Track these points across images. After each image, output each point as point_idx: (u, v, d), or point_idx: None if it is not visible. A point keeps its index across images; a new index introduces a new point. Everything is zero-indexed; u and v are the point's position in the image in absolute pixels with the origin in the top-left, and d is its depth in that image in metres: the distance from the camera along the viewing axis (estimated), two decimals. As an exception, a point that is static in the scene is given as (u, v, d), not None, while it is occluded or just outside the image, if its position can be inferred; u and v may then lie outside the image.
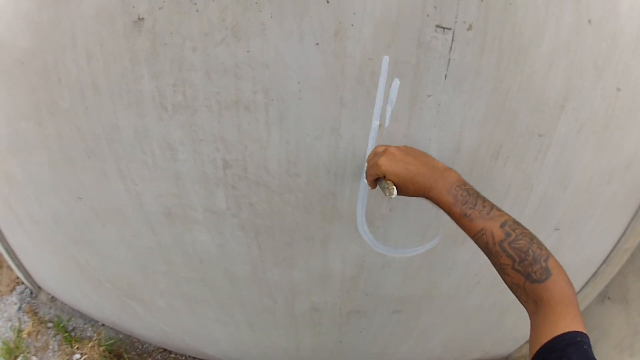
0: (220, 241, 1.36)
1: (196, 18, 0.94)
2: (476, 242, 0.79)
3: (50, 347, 2.25)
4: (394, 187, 0.86)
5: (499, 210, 0.78)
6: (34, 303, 2.38)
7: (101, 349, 2.18)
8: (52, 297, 2.39)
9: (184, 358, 2.33)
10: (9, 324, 2.33)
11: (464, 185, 0.81)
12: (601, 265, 1.85)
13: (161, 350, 2.33)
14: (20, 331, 2.28)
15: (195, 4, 0.93)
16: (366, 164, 0.98)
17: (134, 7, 0.94)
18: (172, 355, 2.32)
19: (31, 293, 2.41)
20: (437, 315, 1.80)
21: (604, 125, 1.17)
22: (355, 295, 1.54)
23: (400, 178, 0.84)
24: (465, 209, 0.78)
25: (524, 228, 0.77)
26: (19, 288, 2.41)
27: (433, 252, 1.40)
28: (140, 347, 2.31)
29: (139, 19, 0.96)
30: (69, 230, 1.60)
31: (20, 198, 1.57)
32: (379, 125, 1.04)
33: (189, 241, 1.39)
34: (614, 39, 1.03)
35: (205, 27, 0.94)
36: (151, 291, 1.76)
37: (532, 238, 0.75)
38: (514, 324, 2.11)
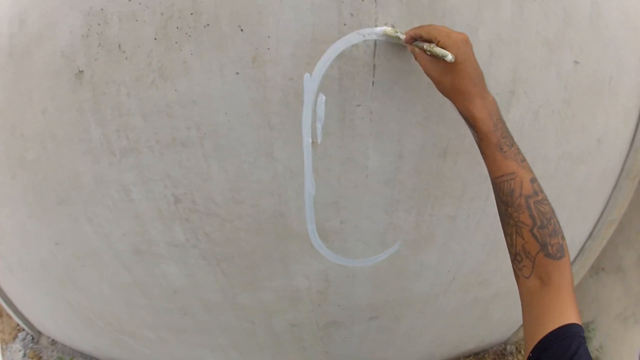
0: (187, 272, 1.38)
1: (127, 65, 0.98)
2: (498, 185, 0.71)
3: (60, 390, 2.28)
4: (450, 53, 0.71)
5: (528, 163, 0.71)
6: (36, 348, 2.41)
7: (103, 386, 2.20)
8: (52, 340, 2.42)
9: (183, 386, 2.33)
10: None
11: (502, 119, 0.73)
12: (587, 240, 1.82)
13: (161, 381, 2.33)
14: None
15: (124, 51, 0.98)
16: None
17: (73, 60, 1.00)
18: (172, 384, 2.32)
19: (32, 338, 2.44)
20: (417, 317, 1.79)
21: (564, 103, 1.12)
22: (328, 308, 1.55)
23: (459, 60, 0.71)
24: (503, 142, 0.70)
25: (547, 198, 0.69)
26: (20, 335, 2.45)
27: (397, 258, 1.39)
28: (141, 379, 2.32)
29: (79, 71, 1.01)
30: (55, 274, 1.64)
31: (9, 247, 1.63)
32: (312, 142, 1.05)
33: (160, 274, 1.42)
34: (565, 10, 1.00)
35: (135, 73, 0.99)
36: (138, 325, 1.78)
37: (554, 210, 0.69)
38: (502, 315, 2.10)
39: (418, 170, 1.16)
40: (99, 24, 0.96)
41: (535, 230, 0.66)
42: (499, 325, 2.28)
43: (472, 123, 0.74)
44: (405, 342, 1.97)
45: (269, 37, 0.92)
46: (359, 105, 1.01)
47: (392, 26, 0.93)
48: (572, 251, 1.88)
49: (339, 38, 0.92)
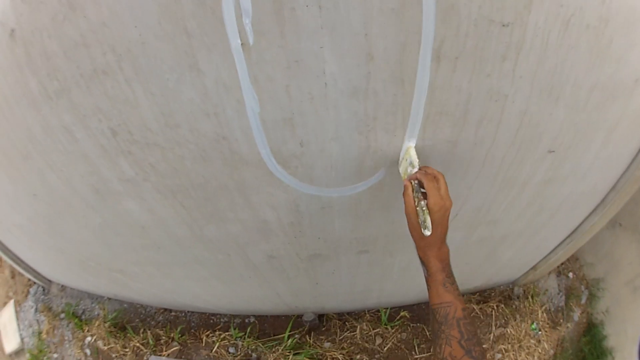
0: (147, 207, 1.31)
1: (43, 9, 0.86)
2: (437, 310, 0.87)
3: (66, 338, 2.37)
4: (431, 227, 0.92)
5: (462, 297, 0.89)
6: (47, 299, 2.49)
7: (107, 325, 2.28)
8: (62, 286, 2.49)
9: (183, 314, 2.40)
10: (31, 330, 2.47)
11: (449, 264, 0.93)
12: (609, 192, 1.65)
13: (162, 310, 2.40)
14: (40, 333, 2.41)
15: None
16: (406, 165, 1.04)
17: (6, 23, 0.90)
18: (173, 314, 2.39)
19: (44, 289, 2.52)
20: (413, 252, 1.64)
21: (602, 21, 0.89)
22: (306, 240, 1.47)
23: (436, 221, 0.91)
24: (447, 281, 0.89)
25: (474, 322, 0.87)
26: (32, 290, 2.53)
27: (381, 188, 1.24)
28: (143, 311, 2.40)
29: (12, 30, 0.91)
30: (42, 227, 1.66)
31: (2, 211, 1.66)
32: (242, 45, 0.85)
33: (123, 211, 1.36)
34: None
35: (50, 14, 0.86)
36: (123, 262, 1.78)
37: (478, 331, 0.87)
38: (515, 255, 1.99)
39: (398, 77, 0.92)
40: None
41: (462, 342, 0.81)
42: (508, 265, 2.17)
43: (425, 263, 0.93)
44: (402, 276, 1.91)
45: None
46: None
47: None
48: (593, 201, 1.70)
49: None
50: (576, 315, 2.58)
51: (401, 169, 1.09)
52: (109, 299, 2.43)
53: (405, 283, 2.01)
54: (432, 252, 0.91)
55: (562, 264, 2.62)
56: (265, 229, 1.38)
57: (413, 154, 1.05)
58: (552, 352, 2.39)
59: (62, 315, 2.41)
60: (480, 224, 1.57)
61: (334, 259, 1.63)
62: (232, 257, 1.56)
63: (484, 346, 0.86)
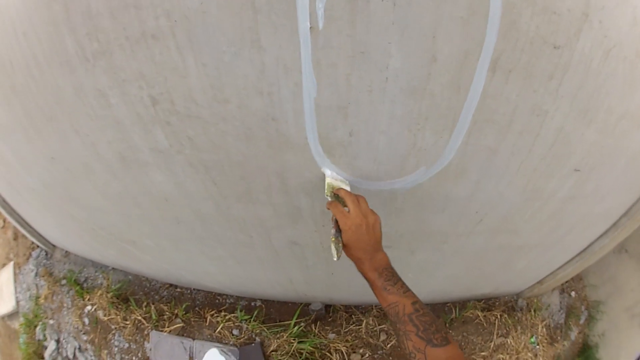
0: (176, 180, 1.28)
1: None
2: (388, 311, 0.91)
3: (65, 305, 2.34)
4: (341, 253, 1.00)
5: (413, 293, 0.92)
6: (49, 264, 2.47)
7: (109, 295, 2.25)
8: (66, 252, 2.46)
9: (188, 291, 2.38)
10: (28, 293, 2.45)
11: (390, 268, 0.97)
12: (622, 217, 1.69)
13: (167, 286, 2.39)
14: (37, 297, 2.38)
15: None
16: (337, 180, 1.14)
17: None
18: (178, 290, 2.38)
19: (46, 254, 2.48)
20: (433, 253, 1.70)
21: (635, 60, 0.95)
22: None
23: (350, 243, 0.98)
24: (386, 284, 0.92)
25: (429, 311, 0.89)
26: (34, 253, 2.50)
27: (418, 186, 1.24)
28: (148, 285, 2.37)
29: None
30: (56, 191, 1.63)
31: (13, 173, 1.66)
32: (311, 28, 0.83)
33: (148, 182, 1.33)
34: None
35: None
36: (137, 234, 1.75)
37: (436, 319, 0.87)
38: (526, 266, 2.01)
39: (456, 83, 0.94)
40: None
41: (420, 333, 0.84)
42: (518, 276, 2.20)
43: (363, 276, 0.98)
44: (418, 275, 1.90)
45: None
46: None
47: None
48: (606, 223, 1.75)
49: None
50: (573, 334, 2.61)
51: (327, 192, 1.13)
52: (114, 269, 2.40)
53: (418, 282, 1.96)
54: (365, 265, 0.96)
55: (566, 282, 2.65)
56: (296, 214, 1.36)
57: (329, 182, 1.13)
58: (547, 368, 2.42)
59: (64, 282, 2.39)
60: (502, 231, 1.58)
61: (356, 252, 1.61)
62: (254, 238, 1.53)
63: (444, 331, 0.87)
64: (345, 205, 1.02)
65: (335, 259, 0.98)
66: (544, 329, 2.44)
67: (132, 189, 1.41)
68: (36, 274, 2.43)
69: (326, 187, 1.10)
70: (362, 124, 1.03)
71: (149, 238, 1.74)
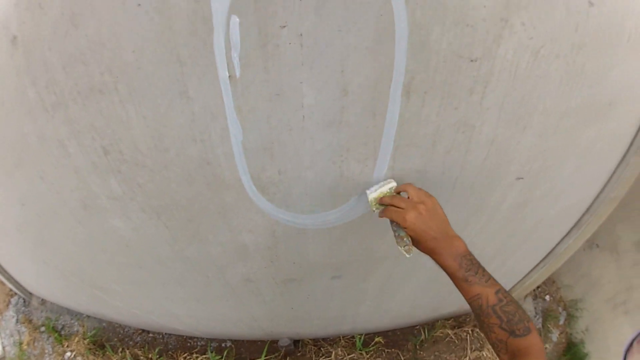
0: (133, 225, 1.30)
1: (46, 20, 0.88)
2: (471, 303, 0.86)
3: (46, 351, 2.29)
4: (412, 247, 0.93)
5: (494, 280, 0.87)
6: (27, 311, 2.42)
7: (86, 342, 2.21)
8: (42, 300, 2.42)
9: (160, 336, 2.33)
10: (12, 339, 2.38)
11: (469, 255, 0.89)
12: (584, 214, 1.63)
13: (140, 331, 2.34)
14: (21, 343, 2.33)
15: (43, 8, 0.88)
16: (379, 191, 1.05)
17: (8, 28, 0.92)
18: (151, 335, 2.33)
19: (24, 301, 2.44)
20: (386, 278, 1.67)
21: (574, 49, 0.90)
22: (282, 264, 1.45)
23: (419, 237, 0.90)
24: (467, 275, 0.86)
25: (512, 297, 0.85)
26: (13, 300, 2.45)
27: (354, 214, 1.25)
28: (122, 331, 2.33)
29: (14, 37, 0.92)
30: (28, 236, 1.62)
31: None
32: (229, 76, 0.87)
33: (109, 228, 1.34)
34: None
35: (52, 26, 0.89)
36: (105, 279, 1.73)
37: (519, 306, 0.84)
38: None
39: (371, 111, 0.95)
40: None
41: (503, 325, 0.82)
42: None
43: (442, 267, 0.90)
44: (376, 301, 1.88)
45: None
46: (284, 27, 0.81)
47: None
48: (567, 224, 1.70)
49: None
50: (554, 336, 2.55)
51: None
52: (88, 316, 2.37)
53: (379, 308, 1.98)
54: (442, 254, 0.88)
55: (538, 287, 2.59)
56: (243, 252, 1.37)
57: (372, 198, 1.07)
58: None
59: (43, 329, 2.34)
60: None
61: (308, 284, 1.62)
62: (210, 278, 1.54)
63: (527, 320, 0.83)
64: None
65: (408, 257, 0.94)
66: None
67: (96, 235, 1.42)
68: (17, 321, 2.38)
69: (371, 204, 1.06)
70: (288, 162, 1.06)
71: (116, 283, 1.74)
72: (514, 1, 0.81)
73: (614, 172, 1.43)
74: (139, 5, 0.83)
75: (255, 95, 0.91)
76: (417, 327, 2.43)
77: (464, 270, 0.87)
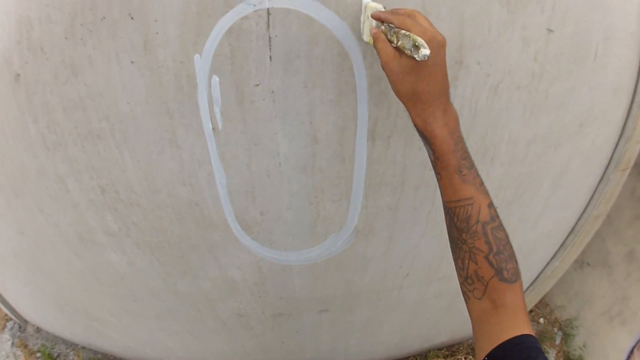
0: (127, 260, 1.37)
1: (48, 65, 0.97)
2: (453, 209, 0.64)
3: (42, 377, 2.33)
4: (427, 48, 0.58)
5: (485, 187, 0.64)
6: (23, 336, 2.46)
7: (81, 371, 2.24)
8: (37, 328, 2.47)
9: (154, 369, 2.35)
10: None
11: (462, 135, 0.64)
12: (568, 236, 1.59)
13: (134, 364, 2.36)
14: None
15: (45, 52, 0.98)
16: (369, 23, 0.75)
17: (11, 65, 1.01)
18: (144, 368, 2.35)
19: (20, 327, 2.49)
20: (372, 310, 1.71)
21: (534, 77, 0.92)
22: (270, 299, 1.51)
23: (425, 65, 0.59)
24: (462, 164, 0.62)
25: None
26: (9, 324, 2.50)
27: (334, 251, 1.32)
28: (116, 363, 2.36)
29: (17, 74, 1.01)
30: (25, 263, 1.69)
31: None
32: (213, 128, 0.98)
33: (105, 262, 1.41)
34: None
35: (53, 71, 0.98)
36: (100, 310, 1.79)
37: (508, 236, 0.65)
38: None
39: (340, 156, 1.04)
40: (27, 30, 0.96)
41: (490, 257, 0.61)
42: (469, 320, 2.13)
43: (429, 139, 0.63)
44: (364, 333, 1.91)
45: (156, 20, 0.85)
46: (258, 85, 0.91)
47: None
48: (552, 246, 1.71)
49: (227, 11, 0.82)
50: (551, 356, 2.51)
51: (365, 31, 0.82)
52: (83, 347, 2.41)
53: (369, 340, 2.00)
54: (437, 115, 0.61)
55: (530, 311, 2.54)
56: (232, 287, 1.43)
57: (373, 5, 0.77)
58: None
59: (38, 354, 2.38)
60: (433, 280, 1.56)
61: (296, 318, 1.66)
62: (202, 313, 1.59)
63: (516, 259, 0.64)
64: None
65: (427, 52, 0.57)
66: None
67: (92, 267, 1.48)
68: (12, 344, 2.43)
69: (363, 14, 0.80)
70: (269, 204, 1.14)
71: (112, 315, 1.79)
72: (467, 43, 0.86)
73: (595, 189, 1.41)
74: (132, 62, 0.93)
75: (236, 144, 1.01)
76: (410, 358, 2.41)
77: (460, 155, 0.63)
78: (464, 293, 0.66)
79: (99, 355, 2.36)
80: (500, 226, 0.63)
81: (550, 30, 0.89)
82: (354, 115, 0.97)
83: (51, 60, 0.97)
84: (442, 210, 0.76)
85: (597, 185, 1.42)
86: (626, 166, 1.33)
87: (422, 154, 1.05)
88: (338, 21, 0.85)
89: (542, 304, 2.66)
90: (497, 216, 0.64)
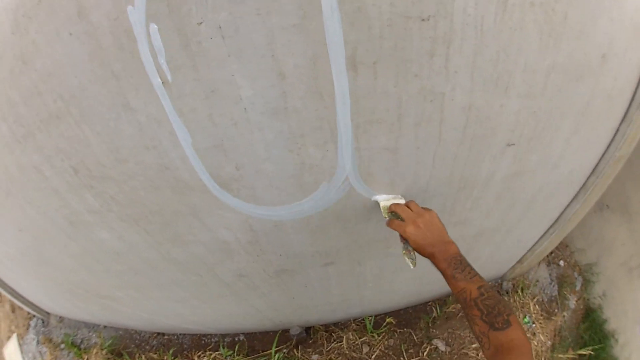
0: (117, 235, 1.42)
1: (3, 64, 0.99)
2: (457, 297, 0.98)
3: (67, 367, 2.48)
4: (415, 261, 1.13)
5: (480, 277, 0.98)
6: (46, 331, 2.61)
7: (104, 352, 2.38)
8: (60, 317, 2.61)
9: (175, 337, 2.48)
10: None
11: (459, 256, 1.04)
12: (589, 176, 1.57)
13: (155, 335, 2.49)
14: None
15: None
16: (385, 201, 1.23)
17: None
18: (166, 337, 2.47)
19: (43, 322, 2.64)
20: (382, 259, 1.70)
21: (548, 1, 0.84)
22: (269, 257, 1.53)
23: (417, 246, 1.07)
24: (455, 272, 1.00)
25: (496, 293, 0.94)
26: (32, 322, 2.65)
27: (329, 201, 1.28)
28: (138, 337, 2.49)
29: None
30: (32, 258, 1.78)
31: None
32: (163, 82, 0.92)
33: (98, 240, 1.47)
34: None
35: (7, 67, 1.00)
36: (108, 287, 1.88)
37: (500, 300, 0.92)
38: (494, 251, 1.97)
39: (316, 92, 0.92)
40: None
41: (483, 317, 0.90)
42: (490, 261, 2.12)
43: (437, 269, 1.05)
44: (377, 283, 1.93)
45: None
46: (201, 23, 0.82)
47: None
48: (573, 188, 1.63)
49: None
50: (572, 302, 2.56)
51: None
52: (105, 327, 2.53)
53: (384, 289, 2.03)
54: (437, 259, 1.04)
55: (551, 253, 2.58)
56: (226, 249, 1.47)
57: (383, 205, 1.24)
58: (549, 343, 2.37)
59: (62, 346, 2.52)
60: (446, 225, 1.50)
61: (301, 273, 1.69)
62: (203, 277, 1.64)
63: (507, 313, 0.90)
64: (400, 218, 1.13)
65: (412, 268, 1.12)
66: (537, 306, 2.44)
67: (88, 248, 1.54)
68: (37, 342, 2.58)
69: (382, 210, 1.22)
70: (243, 157, 1.09)
71: (119, 290, 1.87)
72: None
73: (617, 130, 1.36)
74: (71, 34, 0.92)
75: (192, 95, 0.94)
76: (429, 303, 2.49)
77: (452, 268, 1.01)
78: (481, 348, 0.91)
79: (120, 332, 2.49)
80: (489, 297, 0.92)
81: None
82: (325, 41, 0.84)
83: (5, 58, 0.99)
84: (450, 149, 1.17)
85: (619, 126, 1.35)
86: (651, 106, 1.26)
87: (420, 81, 0.93)
88: None
89: (562, 246, 2.67)
90: (487, 291, 0.94)
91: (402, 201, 1.23)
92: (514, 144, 1.18)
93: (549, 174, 1.41)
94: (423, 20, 0.82)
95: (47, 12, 0.90)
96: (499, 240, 1.86)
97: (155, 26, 0.86)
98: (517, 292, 2.47)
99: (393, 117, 1.02)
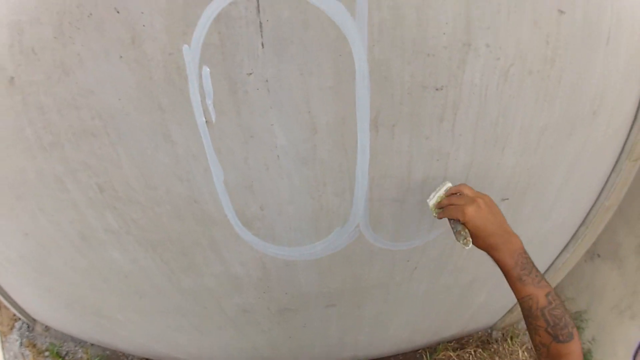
0: (130, 257, 1.41)
1: (39, 66, 1.00)
2: (521, 303, 0.90)
3: (51, 376, 2.42)
4: (470, 239, 0.95)
5: (546, 281, 0.90)
6: (31, 336, 2.55)
7: (90, 369, 2.32)
8: (46, 326, 2.56)
9: (164, 365, 2.42)
10: None
11: (524, 253, 0.92)
12: (580, 227, 1.65)
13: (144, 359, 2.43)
14: None
15: (36, 54, 1.00)
16: (437, 196, 1.04)
17: (5, 69, 1.03)
18: (155, 364, 2.42)
19: (28, 327, 2.58)
20: (381, 304, 1.74)
21: (547, 62, 0.92)
22: (275, 295, 1.54)
23: (478, 231, 0.92)
24: (522, 274, 0.89)
25: (562, 301, 0.89)
26: (17, 324, 2.59)
27: (339, 245, 1.33)
28: (125, 359, 2.44)
29: (11, 78, 1.04)
30: (32, 264, 1.75)
31: None
32: (206, 122, 0.98)
33: (109, 259, 1.46)
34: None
35: (46, 72, 1.01)
36: (108, 307, 1.85)
37: (566, 311, 0.88)
38: (487, 299, 1.99)
39: (342, 147, 1.02)
40: (18, 34, 0.98)
41: (549, 329, 0.85)
42: (481, 311, 2.16)
43: (498, 264, 0.93)
44: (374, 328, 1.94)
45: (142, 13, 0.85)
46: (251, 74, 0.89)
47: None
48: (564, 237, 1.71)
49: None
50: None
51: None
52: (92, 344, 2.48)
53: (378, 334, 2.03)
54: (500, 249, 0.90)
55: None
56: (236, 283, 1.46)
57: (431, 205, 1.07)
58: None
59: (47, 354, 2.46)
60: (442, 272, 1.58)
61: (303, 313, 1.69)
62: (208, 309, 1.63)
63: (572, 325, 0.87)
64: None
65: (467, 248, 0.95)
66: (526, 353, 2.42)
67: (96, 265, 1.53)
68: (21, 344, 2.52)
69: (431, 211, 1.07)
70: (269, 198, 1.15)
71: (119, 312, 1.84)
72: (475, 23, 0.84)
73: (607, 180, 1.44)
74: (121, 57, 0.94)
75: (232, 137, 1.01)
76: (419, 351, 2.45)
77: (519, 268, 0.89)
78: (537, 356, 0.89)
79: (108, 352, 2.43)
80: (557, 307, 0.87)
81: (561, 12, 0.88)
82: (354, 103, 0.95)
83: (42, 60, 1.00)
84: None
85: (609, 176, 1.43)
86: (638, 156, 1.35)
87: (430, 143, 1.03)
88: (333, 1, 0.83)
89: (553, 294, 2.65)
90: (554, 299, 0.88)
91: (449, 185, 1.06)
92: (507, 199, 1.26)
93: (541, 224, 1.47)
94: (437, 89, 0.93)
95: (98, 28, 0.93)
96: (490, 289, 1.88)
97: (208, 69, 0.91)
98: (506, 340, 2.45)
99: (404, 173, 1.11)
